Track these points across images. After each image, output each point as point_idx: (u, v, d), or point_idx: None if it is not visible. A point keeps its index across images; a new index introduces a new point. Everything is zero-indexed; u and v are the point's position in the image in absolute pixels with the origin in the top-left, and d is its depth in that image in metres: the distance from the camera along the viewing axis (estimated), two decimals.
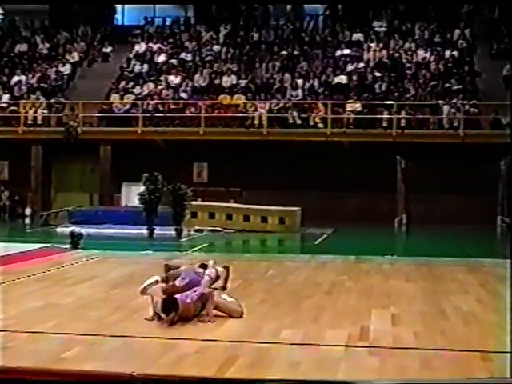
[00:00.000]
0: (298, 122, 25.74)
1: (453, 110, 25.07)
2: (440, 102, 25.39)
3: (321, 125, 25.50)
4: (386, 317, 8.03)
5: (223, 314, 7.81)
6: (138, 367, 5.71)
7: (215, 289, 8.57)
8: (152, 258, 13.57)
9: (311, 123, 25.67)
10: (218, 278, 8.86)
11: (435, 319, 7.96)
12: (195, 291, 7.71)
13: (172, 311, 7.41)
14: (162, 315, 7.47)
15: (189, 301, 7.55)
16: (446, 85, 26.33)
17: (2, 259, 12.25)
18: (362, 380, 5.54)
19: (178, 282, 8.13)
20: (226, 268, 9.45)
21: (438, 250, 15.74)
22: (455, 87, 26.14)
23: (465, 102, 25.12)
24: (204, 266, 8.94)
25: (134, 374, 5.54)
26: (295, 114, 25.80)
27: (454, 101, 25.21)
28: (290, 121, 25.82)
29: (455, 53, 28.09)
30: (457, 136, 24.32)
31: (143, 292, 8.27)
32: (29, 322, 7.50)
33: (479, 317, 8.16)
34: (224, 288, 9.17)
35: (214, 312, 7.70)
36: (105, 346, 6.57)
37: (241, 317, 7.79)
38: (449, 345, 6.70)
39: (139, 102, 26.82)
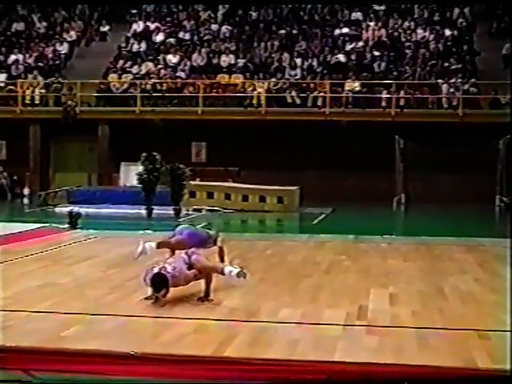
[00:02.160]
0: (297, 101, 25.69)
1: (452, 90, 25.01)
2: (439, 81, 25.33)
3: (319, 103, 25.44)
4: (384, 296, 8.04)
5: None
6: (137, 346, 5.72)
7: None
8: (151, 238, 13.57)
9: (309, 104, 25.59)
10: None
11: (433, 298, 7.98)
12: (185, 260, 7.61)
13: (162, 288, 7.33)
14: (155, 294, 7.41)
15: (177, 274, 7.47)
16: (445, 64, 26.25)
17: (1, 239, 12.25)
18: None
19: (173, 239, 8.05)
20: (220, 248, 9.41)
21: (436, 230, 15.75)
22: (454, 66, 26.06)
23: (464, 81, 25.06)
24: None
25: (132, 352, 5.56)
26: (294, 93, 25.74)
27: (453, 80, 25.15)
28: (289, 100, 25.76)
29: (455, 32, 28.00)
30: (456, 115, 24.28)
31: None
32: (27, 301, 7.52)
33: (477, 296, 8.18)
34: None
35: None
36: (103, 325, 6.58)
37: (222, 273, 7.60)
38: (447, 324, 6.72)
39: (137, 82, 26.74)
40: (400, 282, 8.99)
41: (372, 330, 6.45)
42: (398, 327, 6.59)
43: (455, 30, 28.11)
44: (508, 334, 6.20)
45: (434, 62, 26.50)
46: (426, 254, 11.74)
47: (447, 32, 27.98)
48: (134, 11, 31.21)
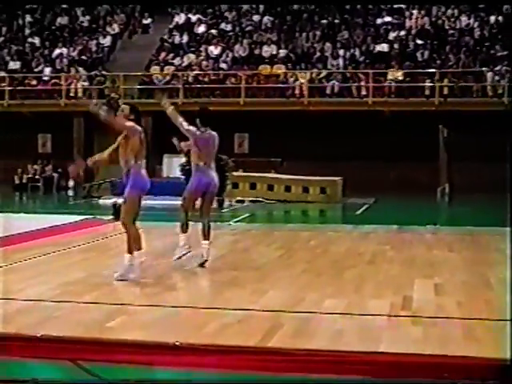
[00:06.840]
0: (340, 91, 25.56)
1: (497, 77, 24.66)
2: (484, 69, 24.98)
3: (362, 93, 25.28)
4: (428, 287, 7.97)
5: None
6: (182, 336, 5.75)
7: None
8: (193, 229, 13.61)
9: (352, 94, 25.46)
10: None
11: (479, 289, 7.89)
12: None
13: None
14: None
15: None
16: (491, 51, 25.88)
17: (47, 231, 12.43)
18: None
19: None
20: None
21: (481, 220, 15.56)
22: (500, 53, 25.67)
23: (510, 68, 24.67)
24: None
25: (177, 343, 5.59)
26: (336, 83, 25.62)
27: (499, 67, 24.79)
28: (331, 91, 25.64)
29: (500, 18, 27.56)
30: (501, 104, 23.94)
31: None
32: (73, 292, 7.60)
33: None
34: None
35: None
36: (148, 316, 6.63)
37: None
38: (493, 315, 6.63)
39: (179, 73, 26.85)
40: (445, 273, 8.91)
41: (417, 321, 6.40)
42: (444, 318, 6.53)
43: (501, 15, 27.67)
44: None
45: (478, 49, 26.15)
46: (471, 245, 11.62)
47: (492, 18, 27.57)
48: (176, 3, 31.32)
